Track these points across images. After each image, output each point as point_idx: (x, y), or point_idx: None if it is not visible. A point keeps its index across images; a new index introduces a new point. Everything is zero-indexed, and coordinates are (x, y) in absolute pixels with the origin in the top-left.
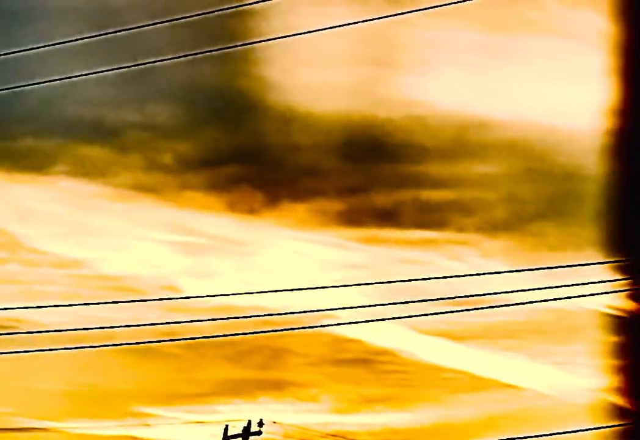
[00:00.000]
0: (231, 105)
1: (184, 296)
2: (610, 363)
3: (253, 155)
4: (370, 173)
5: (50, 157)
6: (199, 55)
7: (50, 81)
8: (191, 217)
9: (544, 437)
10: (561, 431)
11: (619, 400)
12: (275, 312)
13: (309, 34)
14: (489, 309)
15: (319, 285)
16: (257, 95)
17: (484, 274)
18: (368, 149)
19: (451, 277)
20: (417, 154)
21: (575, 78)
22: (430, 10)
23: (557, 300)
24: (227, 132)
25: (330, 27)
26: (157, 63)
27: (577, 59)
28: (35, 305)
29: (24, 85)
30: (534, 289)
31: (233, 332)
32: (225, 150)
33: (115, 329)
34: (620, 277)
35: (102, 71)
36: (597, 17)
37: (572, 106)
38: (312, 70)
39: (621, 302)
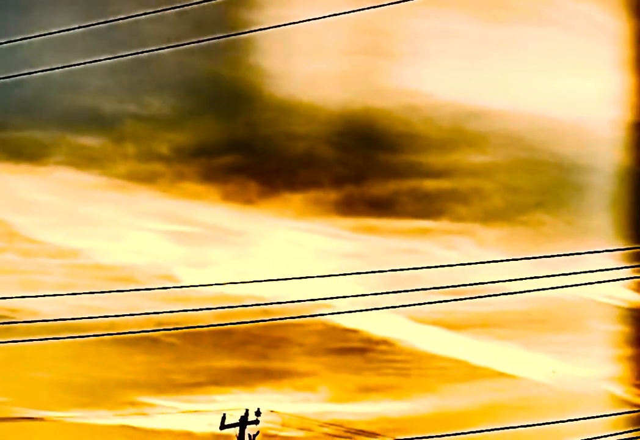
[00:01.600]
0: (227, 95)
1: (180, 285)
2: (608, 352)
3: (249, 146)
4: (366, 163)
5: (46, 147)
6: (195, 46)
7: (45, 70)
8: (187, 207)
9: (540, 425)
10: (558, 420)
11: (618, 389)
12: (272, 302)
13: (304, 23)
14: (486, 298)
15: (315, 275)
16: (252, 85)
17: (480, 262)
18: (364, 139)
19: (447, 266)
20: (414, 144)
21: (572, 69)
22: None
23: (554, 290)
24: (223, 123)
25: (326, 16)
26: (153, 53)
27: (575, 50)
28: (31, 295)
29: (19, 75)
30: (530, 278)
31: (230, 322)
32: (221, 140)
33: (111, 318)
34: (619, 266)
35: (98, 60)
36: (595, 8)
37: (569, 97)
38: (309, 60)
39: (620, 292)
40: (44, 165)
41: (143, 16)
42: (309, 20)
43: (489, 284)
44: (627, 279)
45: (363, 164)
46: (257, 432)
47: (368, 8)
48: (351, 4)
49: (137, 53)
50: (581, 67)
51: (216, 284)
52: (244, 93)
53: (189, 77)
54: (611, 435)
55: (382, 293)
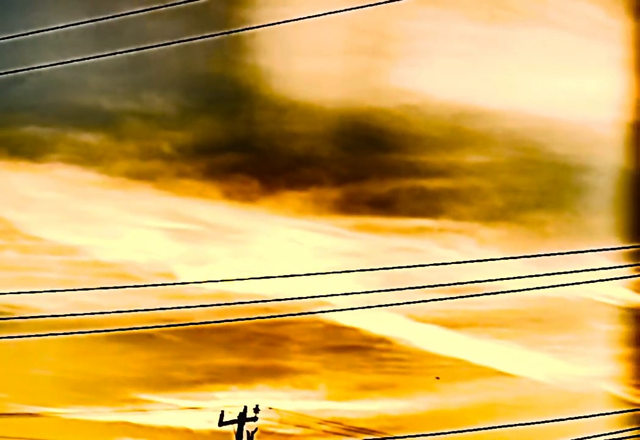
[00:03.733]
0: (228, 94)
1: (179, 282)
2: (607, 351)
3: (249, 144)
4: (366, 162)
5: (47, 144)
6: (196, 45)
7: (45, 66)
8: (187, 204)
9: (539, 424)
10: (556, 419)
11: (617, 389)
12: (271, 299)
13: (305, 24)
14: (485, 297)
15: (314, 272)
16: (253, 84)
17: (478, 261)
18: (363, 138)
19: (447, 264)
20: (413, 144)
21: (571, 69)
22: None
23: (553, 288)
24: (223, 121)
25: (324, 14)
26: (154, 51)
27: (574, 50)
28: (31, 291)
29: (20, 70)
30: (529, 277)
31: (228, 319)
32: (222, 138)
33: (110, 315)
34: (617, 265)
35: (97, 56)
36: (594, 8)
37: (568, 97)
38: (308, 59)
39: (619, 291)
40: (44, 163)
41: (142, 13)
42: (307, 17)
43: (488, 283)
44: (625, 278)
45: (363, 163)
46: (256, 429)
47: (366, 6)
48: (350, 4)
49: (134, 50)
50: (580, 67)
51: (215, 281)
52: (244, 92)
53: (190, 76)
54: (609, 434)
55: (381, 291)
